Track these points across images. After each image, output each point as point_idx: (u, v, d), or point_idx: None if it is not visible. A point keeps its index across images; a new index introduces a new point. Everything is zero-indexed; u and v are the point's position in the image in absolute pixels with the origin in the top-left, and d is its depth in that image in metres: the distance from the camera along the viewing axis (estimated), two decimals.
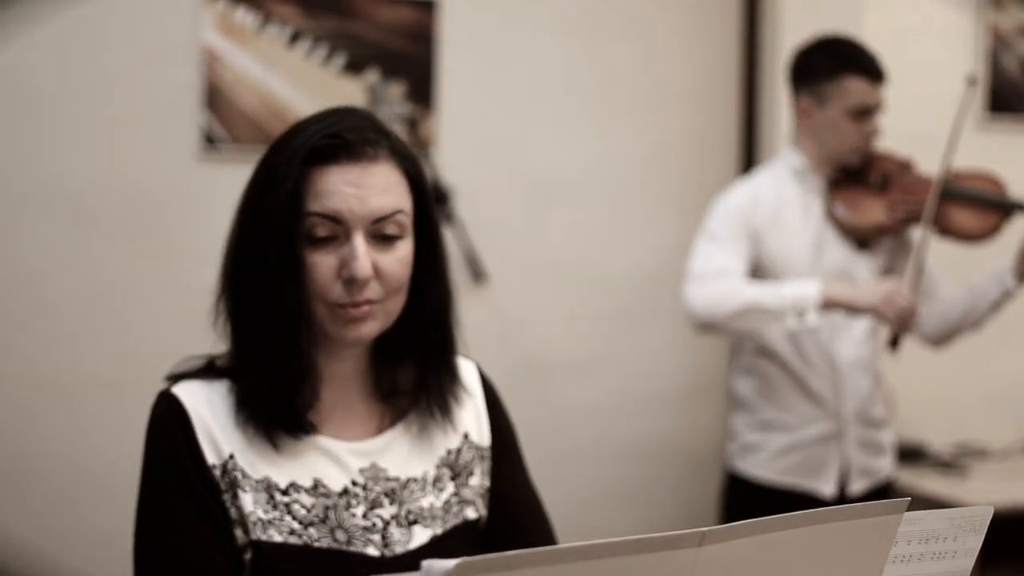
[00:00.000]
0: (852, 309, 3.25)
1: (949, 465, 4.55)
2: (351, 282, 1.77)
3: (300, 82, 4.36)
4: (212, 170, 4.29)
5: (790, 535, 1.41)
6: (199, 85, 4.28)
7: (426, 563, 1.28)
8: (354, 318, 1.79)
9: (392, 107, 4.39)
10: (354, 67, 4.41)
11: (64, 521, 4.15)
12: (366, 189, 1.77)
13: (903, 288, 3.26)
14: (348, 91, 4.36)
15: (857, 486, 3.56)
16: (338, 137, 1.78)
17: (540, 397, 4.57)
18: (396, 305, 1.84)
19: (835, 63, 3.48)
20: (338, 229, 1.77)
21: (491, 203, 4.52)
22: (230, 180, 4.31)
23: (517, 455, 2.05)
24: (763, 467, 3.57)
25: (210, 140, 4.29)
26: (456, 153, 4.51)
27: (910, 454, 4.53)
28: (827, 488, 3.51)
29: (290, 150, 1.79)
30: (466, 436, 1.98)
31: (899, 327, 3.25)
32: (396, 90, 4.44)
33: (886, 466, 3.66)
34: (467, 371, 2.03)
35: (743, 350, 3.59)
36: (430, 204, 1.88)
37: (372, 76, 4.41)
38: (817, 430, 3.51)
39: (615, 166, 4.71)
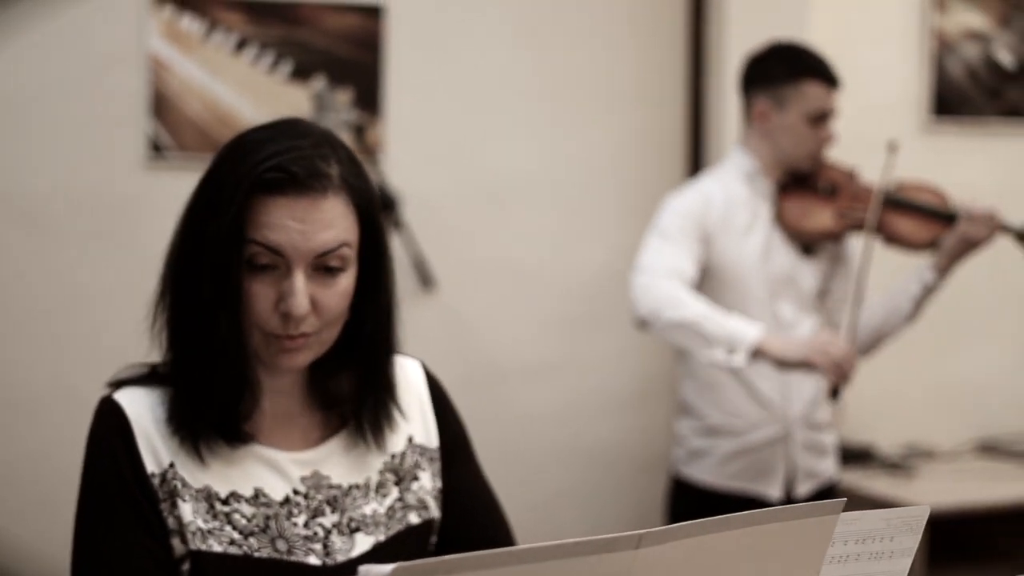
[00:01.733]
0: (783, 363, 3.23)
1: (897, 466, 4.58)
2: (287, 316, 1.75)
3: (246, 90, 4.35)
4: (159, 177, 4.27)
5: (727, 537, 1.42)
6: (145, 92, 4.27)
7: (363, 568, 1.28)
8: (288, 349, 1.78)
9: (339, 114, 4.38)
10: (300, 74, 4.40)
11: (35, 524, 4.15)
12: (311, 224, 1.75)
13: (838, 338, 3.25)
14: (294, 98, 4.36)
15: (803, 489, 3.57)
16: (285, 170, 1.74)
17: (490, 403, 4.57)
18: (332, 334, 1.82)
19: (795, 68, 3.51)
20: (279, 260, 1.75)
21: (440, 208, 4.52)
22: (177, 187, 4.29)
23: (469, 453, 2.04)
24: (710, 472, 3.58)
25: (156, 148, 4.27)
26: (404, 159, 4.50)
27: (858, 455, 4.56)
28: (774, 492, 3.53)
29: (236, 175, 1.75)
30: (410, 439, 1.96)
31: (835, 377, 3.23)
32: (343, 97, 4.43)
33: (829, 468, 3.68)
34: (412, 371, 2.02)
35: (690, 356, 3.60)
36: (378, 230, 1.85)
37: (318, 83, 4.40)
38: (764, 434, 3.53)
39: (563, 170, 4.72)
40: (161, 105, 4.28)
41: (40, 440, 4.19)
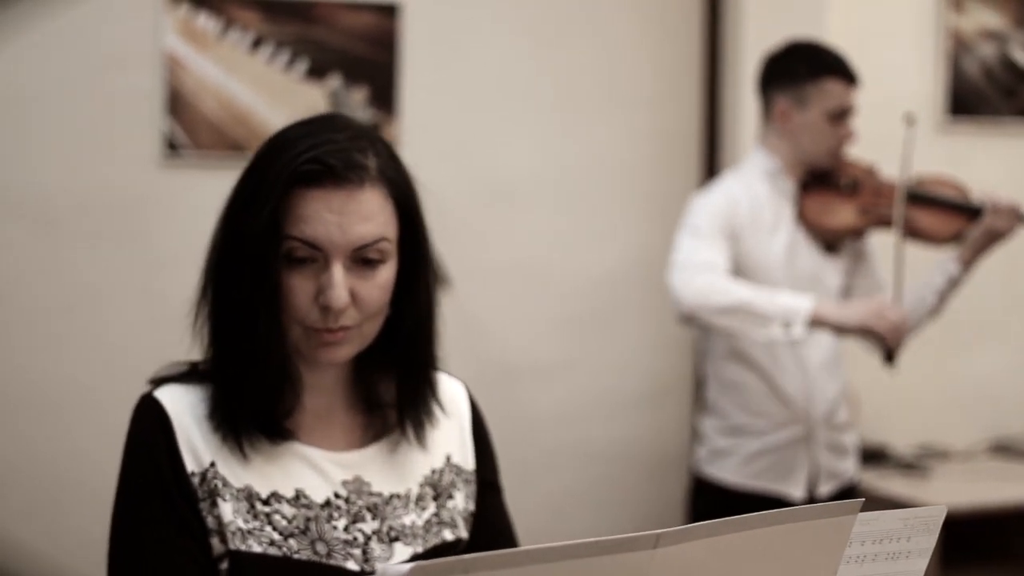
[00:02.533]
0: (841, 328, 3.28)
1: (912, 467, 4.57)
2: (327, 309, 1.75)
3: (262, 88, 4.35)
4: (175, 176, 4.28)
5: (744, 537, 1.41)
6: (161, 91, 4.27)
7: (381, 567, 1.27)
8: (328, 342, 1.78)
9: (354, 113, 4.38)
10: (316, 73, 4.41)
11: (43, 524, 4.15)
12: (348, 217, 1.74)
13: (890, 302, 3.30)
14: (310, 97, 4.36)
15: (825, 489, 3.57)
16: (322, 162, 1.74)
17: (505, 402, 4.57)
18: (373, 328, 1.81)
19: (815, 66, 3.51)
20: (317, 254, 1.74)
21: (455, 207, 4.52)
22: (193, 186, 4.34)
23: (499, 487, 2.03)
24: (733, 472, 3.57)
25: (172, 146, 4.28)
26: (419, 158, 4.43)
27: (873, 456, 4.55)
28: (796, 491, 3.53)
29: (274, 169, 1.75)
30: (448, 458, 1.95)
31: (892, 341, 3.27)
32: (358, 96, 4.44)
33: (850, 468, 3.68)
34: (456, 392, 2.02)
35: (714, 355, 3.60)
36: (419, 225, 1.84)
37: (334, 82, 4.41)
38: (788, 434, 3.53)
39: (579, 169, 4.72)
40: (176, 103, 4.28)
41: (61, 435, 4.20)
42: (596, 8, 4.71)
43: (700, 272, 3.37)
